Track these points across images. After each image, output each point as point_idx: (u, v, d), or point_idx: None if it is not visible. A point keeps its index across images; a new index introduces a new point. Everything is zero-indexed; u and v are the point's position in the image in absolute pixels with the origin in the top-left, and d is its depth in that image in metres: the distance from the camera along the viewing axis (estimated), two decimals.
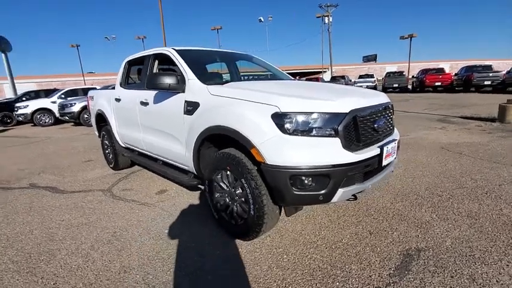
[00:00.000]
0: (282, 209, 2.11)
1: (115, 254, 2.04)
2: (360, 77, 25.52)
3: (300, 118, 1.71)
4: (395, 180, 3.20)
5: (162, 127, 2.76)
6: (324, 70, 42.92)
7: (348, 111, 1.76)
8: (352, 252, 1.92)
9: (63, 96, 11.92)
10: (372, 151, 1.86)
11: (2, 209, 2.99)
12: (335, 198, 1.75)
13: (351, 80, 26.25)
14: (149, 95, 2.86)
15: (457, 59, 53.45)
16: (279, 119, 1.72)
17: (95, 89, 10.15)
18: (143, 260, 1.96)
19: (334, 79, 24.82)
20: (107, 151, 4.39)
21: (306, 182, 1.69)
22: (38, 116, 11.72)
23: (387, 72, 23.29)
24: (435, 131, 5.85)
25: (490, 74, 15.71)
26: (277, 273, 1.75)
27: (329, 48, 33.32)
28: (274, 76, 3.45)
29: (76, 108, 10.26)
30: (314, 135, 1.71)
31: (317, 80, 26.10)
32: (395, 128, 2.39)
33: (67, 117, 10.49)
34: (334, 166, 1.67)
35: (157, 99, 2.75)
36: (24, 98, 13.57)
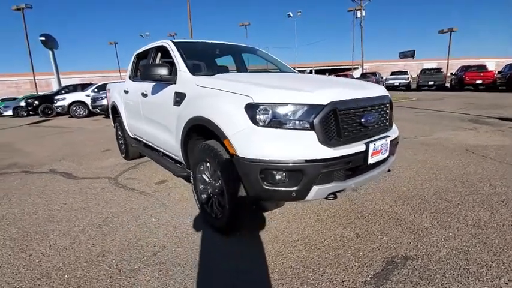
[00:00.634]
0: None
1: (100, 238, 2.12)
2: (393, 73, 23.93)
3: (273, 109, 1.63)
4: (402, 182, 2.96)
5: (157, 118, 2.81)
6: (356, 67, 41.17)
7: (325, 103, 1.63)
8: (331, 255, 1.79)
9: (96, 90, 12.70)
10: (355, 147, 1.72)
11: (19, 191, 3.25)
12: (309, 196, 1.64)
13: (382, 77, 24.86)
14: (148, 86, 2.92)
15: (505, 56, 48.23)
16: (252, 110, 1.65)
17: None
18: (123, 246, 2.01)
19: (364, 76, 23.65)
20: (120, 141, 4.59)
21: (277, 177, 1.61)
22: (74, 108, 12.66)
23: (422, 69, 21.62)
24: (464, 132, 5.33)
25: None
26: (243, 270, 1.69)
27: (360, 43, 31.83)
28: (278, 70, 3.34)
29: (105, 101, 10.88)
30: (288, 128, 1.62)
31: (346, 76, 25.07)
32: (394, 125, 2.20)
33: (98, 110, 11.20)
34: (307, 161, 1.57)
35: (154, 91, 2.80)
36: (63, 92, 14.71)
